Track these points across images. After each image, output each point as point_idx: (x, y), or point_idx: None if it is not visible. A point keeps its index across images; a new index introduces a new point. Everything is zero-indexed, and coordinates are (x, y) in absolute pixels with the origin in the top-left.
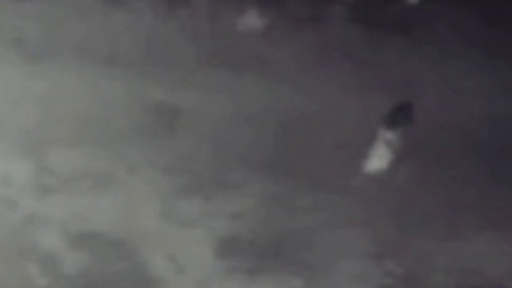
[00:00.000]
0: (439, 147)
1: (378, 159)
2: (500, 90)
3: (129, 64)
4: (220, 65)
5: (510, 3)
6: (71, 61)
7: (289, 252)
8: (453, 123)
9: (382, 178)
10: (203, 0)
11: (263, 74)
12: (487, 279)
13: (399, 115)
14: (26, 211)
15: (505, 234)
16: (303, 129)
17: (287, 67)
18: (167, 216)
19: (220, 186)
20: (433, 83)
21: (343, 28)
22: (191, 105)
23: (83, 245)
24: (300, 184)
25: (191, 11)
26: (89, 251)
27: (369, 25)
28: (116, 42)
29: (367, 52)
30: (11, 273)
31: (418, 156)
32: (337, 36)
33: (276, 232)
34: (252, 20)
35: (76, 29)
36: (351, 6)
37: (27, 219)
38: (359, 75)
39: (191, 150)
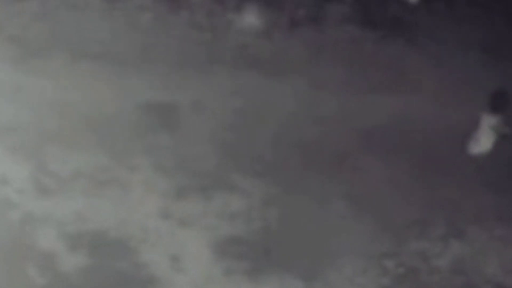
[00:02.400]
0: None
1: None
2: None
3: (129, 63)
4: (219, 65)
5: (510, 3)
6: (70, 60)
7: (289, 253)
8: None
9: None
10: (203, 0)
11: (262, 74)
12: (487, 279)
13: (499, 101)
14: (25, 211)
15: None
16: (302, 129)
17: (286, 66)
18: (166, 216)
19: (220, 186)
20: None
21: (343, 28)
22: (191, 105)
23: (82, 245)
24: (299, 184)
25: (191, 11)
26: (88, 251)
27: (369, 24)
28: (115, 41)
29: (367, 52)
30: (10, 273)
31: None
32: (337, 35)
33: (275, 232)
34: (251, 20)
35: (76, 27)
36: (351, 6)
37: (26, 219)
38: (359, 75)
39: (191, 151)
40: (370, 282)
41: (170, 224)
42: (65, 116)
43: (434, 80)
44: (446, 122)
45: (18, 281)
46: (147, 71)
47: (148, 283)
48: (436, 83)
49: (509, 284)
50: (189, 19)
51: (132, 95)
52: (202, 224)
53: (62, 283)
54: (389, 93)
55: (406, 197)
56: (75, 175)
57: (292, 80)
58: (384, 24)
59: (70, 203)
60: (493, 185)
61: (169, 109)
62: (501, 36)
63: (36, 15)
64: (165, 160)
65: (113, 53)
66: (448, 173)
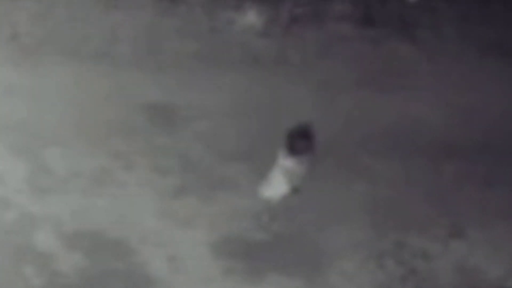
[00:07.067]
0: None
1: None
2: (501, 87)
3: (127, 62)
4: (218, 63)
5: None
6: (68, 58)
7: (289, 253)
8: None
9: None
10: None
11: (262, 72)
12: (487, 279)
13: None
14: (21, 211)
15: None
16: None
17: (286, 64)
18: (164, 216)
19: (219, 186)
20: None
21: (343, 25)
22: (189, 104)
23: (79, 245)
24: (300, 184)
25: (190, 10)
26: (85, 250)
27: (369, 22)
28: (114, 40)
29: (367, 49)
30: (6, 273)
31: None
32: (337, 33)
33: (274, 232)
34: (251, 19)
35: (74, 26)
36: (351, 3)
37: (23, 218)
38: (359, 73)
39: (188, 150)
40: (370, 281)
41: (169, 223)
42: (63, 115)
43: (435, 77)
44: (446, 120)
45: (15, 281)
46: (146, 70)
47: (146, 283)
48: (437, 80)
49: (509, 285)
50: (188, 18)
51: (130, 94)
52: (201, 224)
53: (60, 283)
54: (389, 90)
55: (406, 196)
56: (74, 175)
57: (291, 78)
58: (384, 22)
59: (67, 203)
60: (494, 184)
61: (167, 108)
62: (501, 33)
63: (33, 14)
64: (163, 159)
65: (110, 51)
66: (448, 171)
